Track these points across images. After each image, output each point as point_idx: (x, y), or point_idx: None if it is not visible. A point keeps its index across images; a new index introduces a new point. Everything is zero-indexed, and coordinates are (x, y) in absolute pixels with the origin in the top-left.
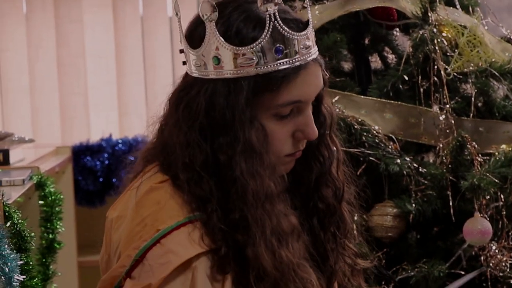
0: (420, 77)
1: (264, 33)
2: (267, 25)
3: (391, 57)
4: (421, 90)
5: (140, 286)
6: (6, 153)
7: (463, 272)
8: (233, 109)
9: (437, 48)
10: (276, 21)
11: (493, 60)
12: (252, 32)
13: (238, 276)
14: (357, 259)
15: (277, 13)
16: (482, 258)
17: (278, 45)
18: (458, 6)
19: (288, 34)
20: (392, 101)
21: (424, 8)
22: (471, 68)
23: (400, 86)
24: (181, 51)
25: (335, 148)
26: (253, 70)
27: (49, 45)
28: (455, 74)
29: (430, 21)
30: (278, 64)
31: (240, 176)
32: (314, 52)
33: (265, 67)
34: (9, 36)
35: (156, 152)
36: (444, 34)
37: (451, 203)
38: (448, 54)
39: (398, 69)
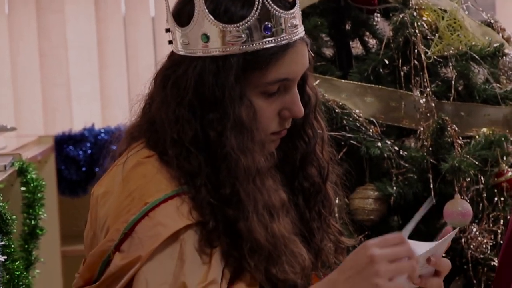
0: (400, 61)
1: (253, 11)
2: (256, 3)
3: (372, 42)
4: (402, 74)
5: (129, 258)
6: None
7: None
8: (223, 86)
9: (417, 31)
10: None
11: (473, 43)
12: (241, 10)
13: (227, 248)
14: (341, 237)
15: None
16: (463, 240)
17: (266, 23)
18: None
19: (277, 12)
20: (373, 85)
21: None
22: (451, 51)
23: (381, 70)
24: (167, 30)
25: (319, 128)
26: (242, 48)
27: (31, 36)
28: (435, 57)
29: (410, 5)
30: (266, 42)
31: (231, 152)
32: (301, 31)
33: (254, 45)
34: None
35: (142, 130)
36: (424, 18)
37: (432, 186)
38: (428, 38)
39: (379, 53)
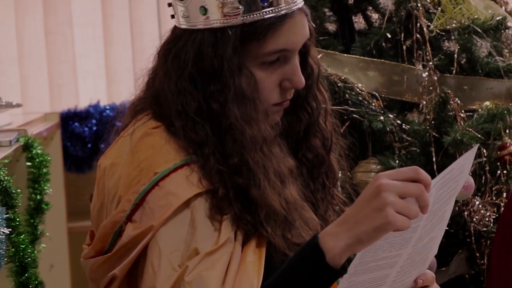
0: (403, 35)
1: None
2: None
3: (374, 17)
4: (404, 48)
5: (142, 228)
6: None
7: (446, 228)
8: (221, 58)
9: (419, 5)
10: None
11: (476, 17)
12: None
13: (238, 215)
14: (345, 207)
15: None
16: (466, 213)
17: None
18: None
19: None
20: (375, 59)
21: None
22: (453, 25)
23: (383, 44)
24: (169, 4)
25: (323, 99)
26: (240, 19)
27: (36, 14)
28: (437, 31)
29: None
30: (264, 13)
31: (235, 123)
32: (300, 2)
33: (251, 15)
34: None
35: (147, 102)
36: None
37: (434, 159)
38: (430, 11)
39: (381, 28)
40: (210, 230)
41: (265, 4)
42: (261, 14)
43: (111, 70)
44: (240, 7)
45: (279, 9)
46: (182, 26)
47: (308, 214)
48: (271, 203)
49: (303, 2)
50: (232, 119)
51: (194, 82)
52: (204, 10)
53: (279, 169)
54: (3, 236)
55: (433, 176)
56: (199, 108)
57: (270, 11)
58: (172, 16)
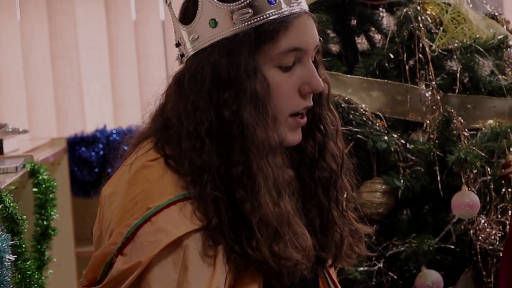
0: (405, 55)
1: None
2: None
3: (377, 37)
4: (407, 67)
5: (130, 263)
6: None
7: (452, 247)
8: (237, 63)
9: (421, 25)
10: None
11: (478, 36)
12: None
13: (231, 244)
14: (359, 225)
15: None
16: (471, 232)
17: None
18: None
19: None
20: (379, 80)
21: None
22: (456, 44)
23: (386, 65)
24: (177, 45)
25: (333, 118)
26: (250, 23)
27: (43, 39)
28: (440, 51)
29: None
30: (272, 14)
31: (247, 126)
32: (304, 4)
33: (261, 18)
34: (3, 29)
35: (154, 129)
36: (428, 12)
37: (439, 178)
38: (432, 31)
39: (384, 48)
40: (203, 268)
41: (273, 3)
42: (269, 14)
43: (117, 93)
44: (250, 10)
45: (287, 10)
46: (191, 52)
47: (300, 229)
48: (266, 211)
49: (308, 8)
50: (244, 123)
51: (210, 97)
52: (214, 23)
53: (278, 180)
54: (9, 263)
55: (437, 195)
56: (210, 127)
57: (278, 12)
58: (181, 56)
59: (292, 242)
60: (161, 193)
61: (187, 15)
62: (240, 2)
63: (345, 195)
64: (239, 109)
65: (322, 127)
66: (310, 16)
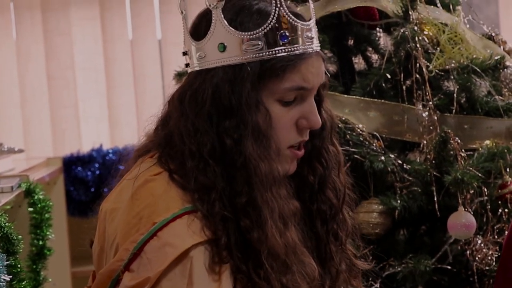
0: (402, 75)
1: (270, 19)
2: (274, 11)
3: (374, 57)
4: (404, 88)
5: (138, 280)
6: None
7: (449, 267)
8: (239, 94)
9: (418, 46)
10: (282, 8)
11: (475, 56)
12: (258, 18)
13: (238, 264)
14: (356, 260)
15: (283, 1)
16: (468, 252)
17: (283, 31)
18: (439, 5)
19: (294, 22)
20: (376, 100)
21: (405, 7)
22: (452, 65)
23: (383, 85)
24: (184, 53)
25: (336, 151)
26: (258, 55)
27: (39, 59)
28: (437, 71)
29: (411, 19)
30: (282, 50)
31: (250, 158)
32: (317, 45)
33: (270, 52)
34: None
35: (155, 144)
36: (425, 32)
37: (435, 199)
38: (429, 51)
39: (381, 68)
40: (208, 282)
41: (284, 41)
42: (279, 51)
43: (113, 113)
44: (260, 43)
45: (297, 48)
46: (196, 69)
47: (307, 259)
48: (273, 244)
49: (319, 47)
50: (247, 155)
51: (210, 120)
52: (223, 47)
53: (284, 211)
54: (4, 283)
55: (434, 215)
56: (213, 148)
57: (288, 49)
58: (187, 65)
59: (300, 272)
60: (166, 208)
61: (198, 32)
62: (252, 32)
63: (347, 229)
64: (241, 140)
65: (323, 160)
66: (319, 56)
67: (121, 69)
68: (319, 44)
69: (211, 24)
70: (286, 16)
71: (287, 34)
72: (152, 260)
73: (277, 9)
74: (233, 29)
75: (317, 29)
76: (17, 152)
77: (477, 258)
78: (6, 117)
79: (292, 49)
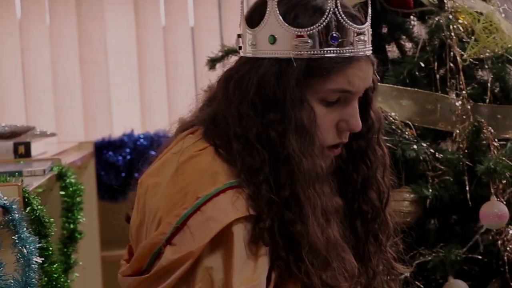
0: (436, 64)
1: (323, 18)
2: (327, 11)
3: (408, 46)
4: (438, 76)
5: (181, 253)
6: (27, 146)
7: (480, 257)
8: (284, 88)
9: (453, 34)
10: (336, 9)
11: (510, 46)
12: (311, 17)
13: (279, 251)
14: (396, 264)
15: (338, 2)
16: (499, 242)
17: (333, 33)
18: None
19: (346, 24)
20: (409, 88)
21: None
22: (487, 54)
23: (417, 73)
24: (239, 35)
25: (382, 153)
26: (307, 53)
27: (71, 43)
28: (471, 60)
29: (446, 8)
30: (332, 51)
31: (293, 154)
32: (368, 49)
33: (319, 51)
34: (32, 34)
35: (201, 118)
36: (460, 21)
37: (467, 188)
38: (464, 40)
39: (415, 56)
40: (245, 258)
41: (334, 42)
42: (327, 51)
43: (145, 99)
44: (310, 41)
45: (346, 50)
46: (248, 55)
47: (347, 256)
48: (314, 240)
49: (371, 51)
50: (290, 151)
51: (254, 108)
52: (273, 39)
53: (326, 208)
54: (36, 266)
55: (465, 205)
56: (258, 134)
57: (338, 51)
58: (240, 48)
59: (340, 269)
60: (210, 182)
61: (252, 20)
62: (304, 29)
63: (388, 232)
64: (285, 134)
65: (367, 161)
66: (369, 60)
67: (154, 55)
68: (371, 48)
69: (265, 15)
70: (340, 17)
71: (338, 35)
72: (195, 234)
73: (331, 9)
74: (285, 23)
75: (371, 32)
76: (49, 136)
77: (508, 248)
78: (39, 101)
79: (342, 51)
